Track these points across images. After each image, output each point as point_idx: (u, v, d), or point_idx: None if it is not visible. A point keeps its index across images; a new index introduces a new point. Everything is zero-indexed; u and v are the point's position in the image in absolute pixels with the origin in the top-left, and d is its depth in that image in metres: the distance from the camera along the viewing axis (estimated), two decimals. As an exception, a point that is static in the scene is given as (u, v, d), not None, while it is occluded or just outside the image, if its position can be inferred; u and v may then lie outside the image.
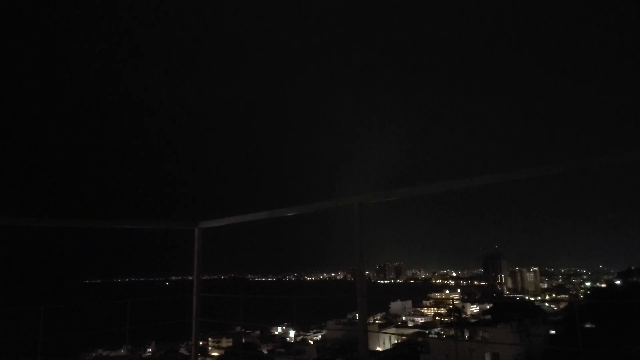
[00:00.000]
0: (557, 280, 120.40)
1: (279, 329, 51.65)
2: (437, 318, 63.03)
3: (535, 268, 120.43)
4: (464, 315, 58.37)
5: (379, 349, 40.55)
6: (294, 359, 35.03)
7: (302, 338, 52.86)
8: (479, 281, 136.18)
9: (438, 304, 74.61)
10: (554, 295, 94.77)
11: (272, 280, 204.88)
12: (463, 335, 33.94)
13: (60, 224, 3.84)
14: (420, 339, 39.63)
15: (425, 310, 71.88)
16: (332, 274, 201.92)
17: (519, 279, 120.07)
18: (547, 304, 66.80)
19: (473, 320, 47.52)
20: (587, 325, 19.76)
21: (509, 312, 37.56)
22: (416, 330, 52.84)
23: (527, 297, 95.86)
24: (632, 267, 36.01)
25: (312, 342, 48.33)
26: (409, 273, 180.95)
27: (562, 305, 58.33)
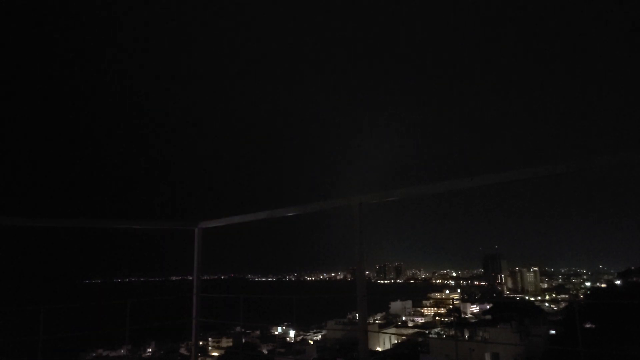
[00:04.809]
0: (557, 280, 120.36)
1: (279, 329, 51.64)
2: (437, 318, 63.04)
3: (535, 268, 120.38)
4: (464, 315, 58.39)
5: (379, 349, 40.55)
6: (294, 359, 35.04)
7: (302, 338, 52.86)
8: (479, 281, 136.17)
9: (438, 304, 74.66)
10: (554, 295, 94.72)
11: (272, 280, 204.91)
12: (463, 335, 33.96)
13: (60, 224, 3.85)
14: (420, 339, 39.63)
15: (425, 310, 71.91)
16: (332, 274, 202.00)
17: (519, 279, 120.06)
18: (547, 304, 66.82)
19: (473, 320, 47.56)
20: (587, 325, 19.76)
21: (509, 312, 37.62)
22: (416, 330, 52.85)
23: (527, 297, 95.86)
24: (632, 267, 36.02)
25: (312, 342, 48.32)
26: (409, 273, 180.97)
27: (562, 305, 58.36)
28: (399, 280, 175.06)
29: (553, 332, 27.95)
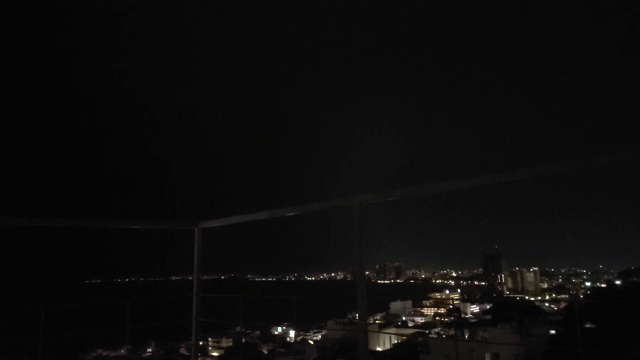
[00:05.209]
0: (557, 280, 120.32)
1: (279, 329, 51.64)
2: (437, 318, 63.02)
3: (535, 268, 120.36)
4: (464, 315, 58.38)
5: (379, 349, 40.55)
6: (294, 359, 35.05)
7: (302, 338, 52.87)
8: (479, 281, 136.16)
9: (438, 304, 74.60)
10: (554, 295, 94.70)
11: (272, 280, 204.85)
12: (463, 335, 33.96)
13: (60, 224, 3.84)
14: (420, 339, 39.64)
15: (425, 310, 71.87)
16: (332, 274, 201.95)
17: (519, 279, 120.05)
18: (547, 304, 66.82)
19: (473, 320, 47.56)
20: (587, 325, 19.77)
21: (509, 312, 37.58)
22: (416, 330, 52.84)
23: (527, 297, 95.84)
24: (632, 267, 36.04)
25: (312, 342, 48.33)
26: (409, 273, 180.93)
27: (562, 305, 58.37)
28: (399, 280, 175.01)
29: (553, 332, 27.94)
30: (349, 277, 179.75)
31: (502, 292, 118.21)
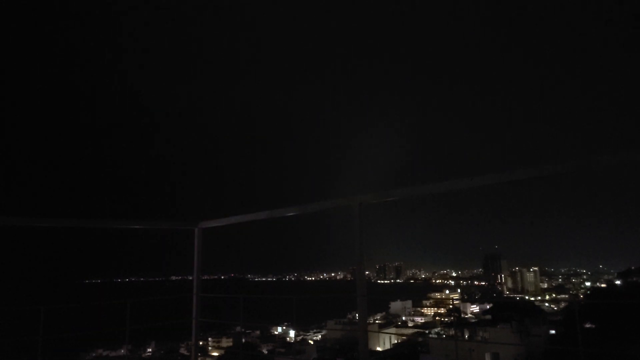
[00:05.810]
0: (557, 280, 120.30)
1: (279, 329, 51.63)
2: (437, 318, 63.01)
3: (535, 268, 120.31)
4: (464, 315, 58.36)
5: (379, 349, 40.55)
6: (294, 359, 35.04)
7: (302, 338, 52.86)
8: (479, 281, 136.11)
9: (438, 304, 74.58)
10: (554, 295, 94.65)
11: (272, 280, 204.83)
12: (463, 335, 33.94)
13: (60, 224, 3.84)
14: (420, 339, 39.64)
15: (425, 310, 71.85)
16: (332, 274, 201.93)
17: (519, 279, 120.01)
18: (547, 304, 66.81)
19: (473, 320, 47.54)
20: (587, 325, 19.75)
21: (509, 312, 37.55)
22: (416, 330, 52.85)
23: (527, 297, 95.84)
24: (632, 267, 35.95)
25: (312, 342, 48.32)
26: (409, 273, 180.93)
27: (562, 305, 58.37)
28: (399, 280, 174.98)
29: (553, 332, 27.93)
30: (349, 277, 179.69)
31: (502, 292, 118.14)
